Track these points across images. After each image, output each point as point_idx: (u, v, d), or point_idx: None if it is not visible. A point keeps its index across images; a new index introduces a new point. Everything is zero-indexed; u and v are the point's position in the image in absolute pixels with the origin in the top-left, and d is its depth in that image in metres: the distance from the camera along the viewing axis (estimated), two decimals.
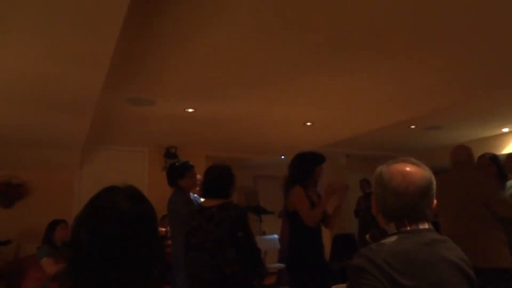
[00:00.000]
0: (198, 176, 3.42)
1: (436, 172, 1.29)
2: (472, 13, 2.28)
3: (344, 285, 1.85)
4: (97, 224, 0.97)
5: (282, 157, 7.06)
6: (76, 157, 5.35)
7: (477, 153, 6.89)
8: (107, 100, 3.63)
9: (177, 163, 3.45)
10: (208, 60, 2.89)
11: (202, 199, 2.90)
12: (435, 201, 1.23)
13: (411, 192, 1.17)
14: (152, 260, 1.01)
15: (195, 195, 3.48)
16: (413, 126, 5.37)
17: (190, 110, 4.11)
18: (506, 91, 3.88)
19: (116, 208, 0.99)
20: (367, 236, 1.26)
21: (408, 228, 1.18)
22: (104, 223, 0.97)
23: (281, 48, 2.71)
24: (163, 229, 4.64)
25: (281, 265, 5.54)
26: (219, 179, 2.65)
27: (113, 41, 2.22)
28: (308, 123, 4.81)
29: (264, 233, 7.01)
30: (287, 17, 2.29)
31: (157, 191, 5.68)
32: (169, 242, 4.90)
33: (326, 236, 7.34)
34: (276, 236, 6.67)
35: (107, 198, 1.02)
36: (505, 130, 5.78)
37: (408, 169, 1.21)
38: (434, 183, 1.23)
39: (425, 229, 1.19)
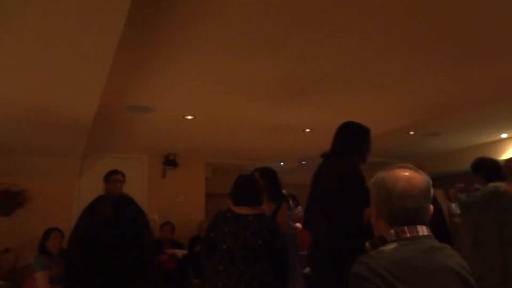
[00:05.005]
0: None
1: (434, 178, 1.30)
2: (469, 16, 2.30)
3: None
4: (82, 231, 0.99)
5: (282, 163, 7.05)
6: (76, 164, 5.34)
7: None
8: (106, 107, 3.64)
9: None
10: (207, 67, 2.91)
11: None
12: (431, 207, 1.25)
13: (417, 194, 1.20)
14: (139, 266, 0.99)
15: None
16: (412, 132, 5.38)
17: (189, 117, 4.12)
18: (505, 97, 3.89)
19: (98, 215, 1.00)
20: (367, 243, 1.26)
21: (408, 235, 1.18)
22: (87, 229, 0.99)
23: (279, 55, 2.73)
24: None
25: None
26: (251, 187, 2.71)
27: (112, 51, 2.23)
28: (307, 130, 4.81)
29: None
30: (282, 26, 2.31)
31: (156, 198, 5.69)
32: (174, 251, 4.84)
33: None
34: None
35: (92, 205, 1.04)
36: (504, 136, 5.78)
37: (409, 174, 1.24)
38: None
39: (424, 236, 1.20)
